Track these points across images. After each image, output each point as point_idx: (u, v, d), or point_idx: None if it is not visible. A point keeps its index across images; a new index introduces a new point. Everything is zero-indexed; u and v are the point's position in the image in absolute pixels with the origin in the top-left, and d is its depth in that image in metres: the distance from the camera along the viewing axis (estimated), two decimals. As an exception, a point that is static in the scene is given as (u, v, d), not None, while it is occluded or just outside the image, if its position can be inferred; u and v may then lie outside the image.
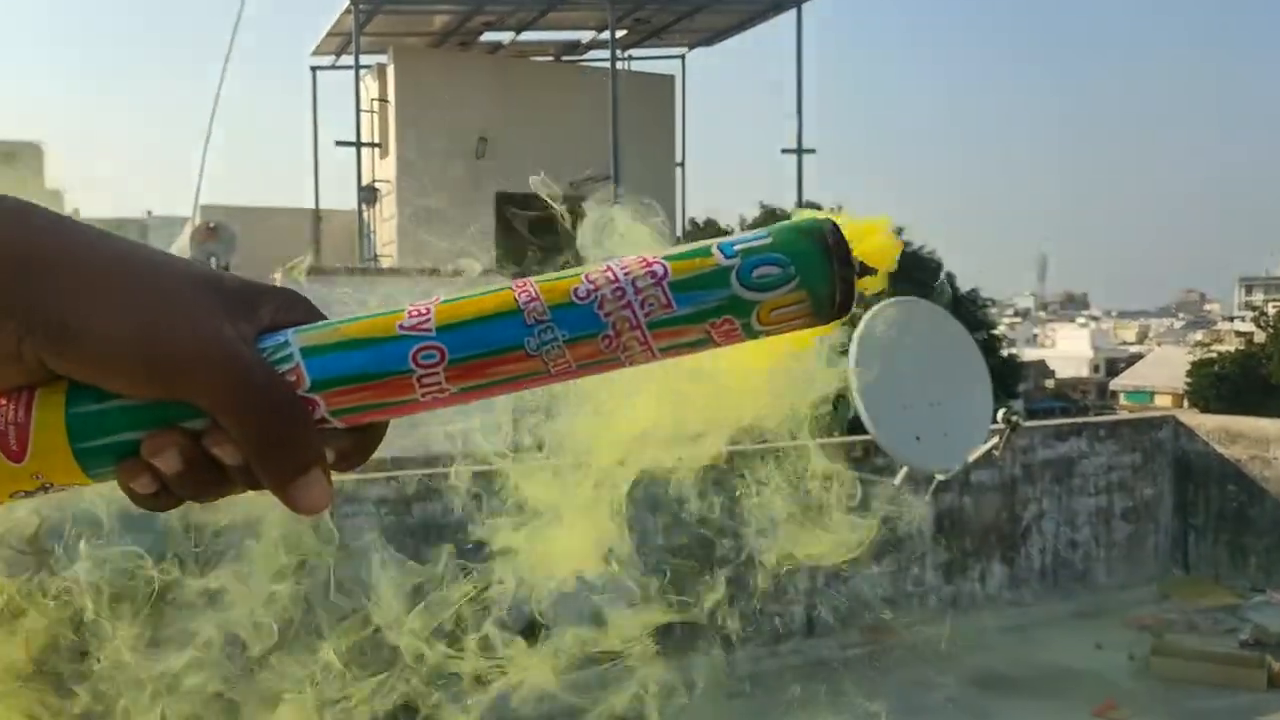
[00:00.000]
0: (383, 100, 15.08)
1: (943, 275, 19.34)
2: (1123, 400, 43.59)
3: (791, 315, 0.47)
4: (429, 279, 1.16)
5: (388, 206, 15.01)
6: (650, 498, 1.24)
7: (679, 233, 15.53)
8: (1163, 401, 38.24)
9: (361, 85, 14.73)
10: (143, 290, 0.44)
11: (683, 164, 16.96)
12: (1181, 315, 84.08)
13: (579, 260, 0.87)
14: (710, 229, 20.36)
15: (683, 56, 17.16)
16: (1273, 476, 7.63)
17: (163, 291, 0.44)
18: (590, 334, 0.46)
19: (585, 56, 17.32)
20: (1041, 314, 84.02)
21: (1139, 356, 53.31)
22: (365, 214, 15.16)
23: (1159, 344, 60.03)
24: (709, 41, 16.90)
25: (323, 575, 1.46)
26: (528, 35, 15.91)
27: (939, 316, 6.17)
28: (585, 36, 16.40)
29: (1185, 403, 31.13)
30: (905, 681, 6.14)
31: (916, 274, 16.95)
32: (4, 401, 0.45)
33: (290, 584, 1.38)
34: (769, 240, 0.47)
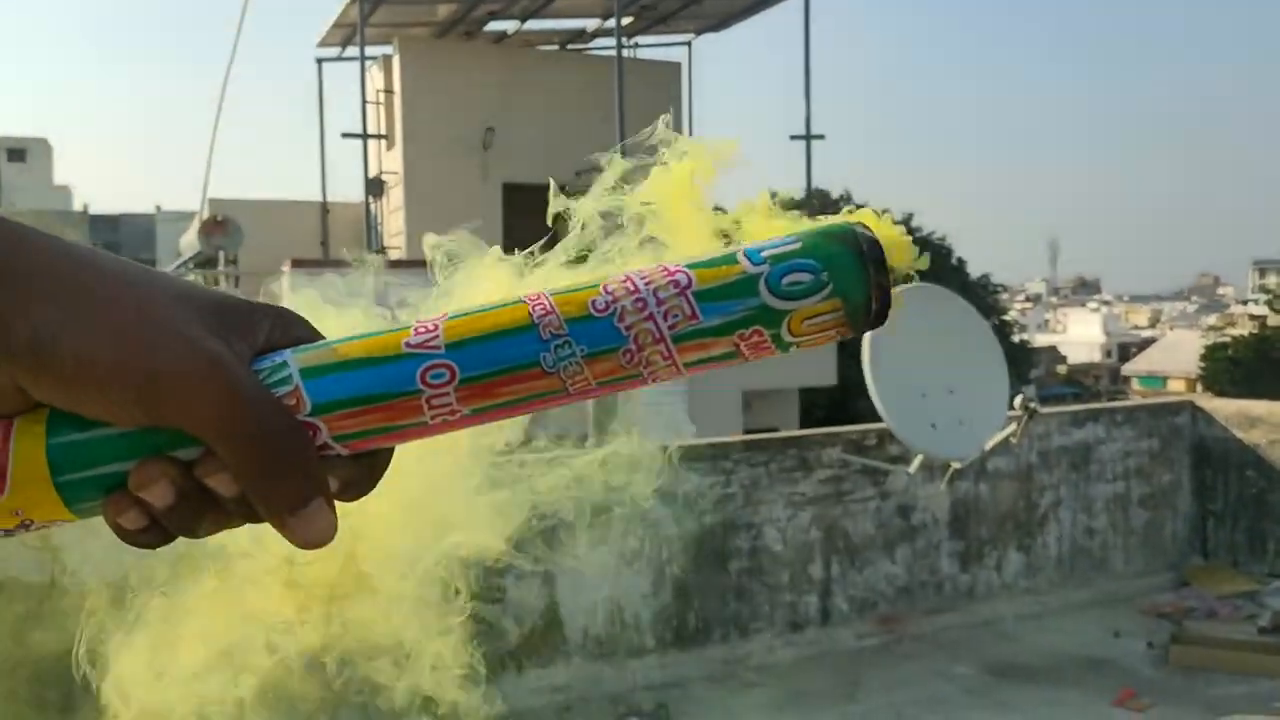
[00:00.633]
0: (388, 91, 15.08)
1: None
2: (1135, 385, 43.55)
3: (825, 325, 0.44)
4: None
5: (395, 198, 15.02)
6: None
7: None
8: (1175, 386, 38.17)
9: (367, 77, 14.72)
10: (127, 307, 0.40)
11: (691, 152, 16.88)
12: (1195, 299, 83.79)
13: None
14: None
15: (689, 43, 17.09)
16: (1292, 461, 7.57)
17: (149, 308, 0.40)
18: (610, 348, 0.43)
19: (591, 44, 17.27)
20: (1053, 299, 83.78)
21: (1151, 341, 53.24)
22: (373, 206, 15.18)
23: (1171, 328, 59.92)
24: (716, 27, 16.82)
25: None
26: (532, 24, 15.87)
27: (955, 304, 6.12)
28: (590, 24, 16.35)
29: (1199, 387, 31.04)
30: (922, 671, 6.12)
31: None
32: None
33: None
34: (798, 245, 0.44)
